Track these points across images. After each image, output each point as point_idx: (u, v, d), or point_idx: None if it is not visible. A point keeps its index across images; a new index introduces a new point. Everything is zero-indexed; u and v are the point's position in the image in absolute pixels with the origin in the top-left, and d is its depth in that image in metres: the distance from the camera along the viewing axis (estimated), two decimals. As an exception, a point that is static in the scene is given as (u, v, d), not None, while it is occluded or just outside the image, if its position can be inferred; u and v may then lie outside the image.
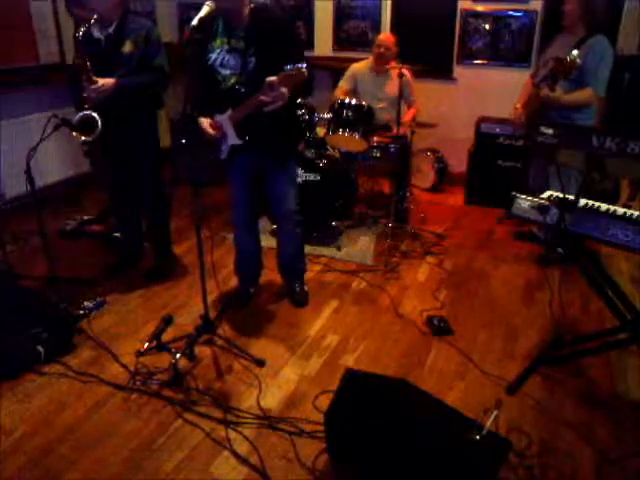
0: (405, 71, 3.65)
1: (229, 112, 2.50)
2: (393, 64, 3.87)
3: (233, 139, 2.56)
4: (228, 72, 2.48)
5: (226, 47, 2.46)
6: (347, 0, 5.13)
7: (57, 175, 4.52)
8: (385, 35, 4.16)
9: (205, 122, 2.55)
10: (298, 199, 2.85)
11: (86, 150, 2.86)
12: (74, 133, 2.73)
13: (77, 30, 2.71)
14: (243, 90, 2.45)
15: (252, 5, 2.44)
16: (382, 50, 3.96)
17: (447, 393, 2.35)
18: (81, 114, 2.72)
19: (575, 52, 2.93)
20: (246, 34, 2.42)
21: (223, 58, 2.47)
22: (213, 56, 2.48)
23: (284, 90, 2.25)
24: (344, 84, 4.20)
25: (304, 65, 2.19)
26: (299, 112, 3.82)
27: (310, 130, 3.90)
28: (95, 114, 2.70)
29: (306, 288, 3.15)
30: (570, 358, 2.51)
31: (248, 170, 2.74)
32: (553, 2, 4.30)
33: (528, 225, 3.82)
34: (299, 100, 3.81)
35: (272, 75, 2.23)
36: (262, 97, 2.27)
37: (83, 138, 2.73)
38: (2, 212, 3.96)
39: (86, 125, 2.72)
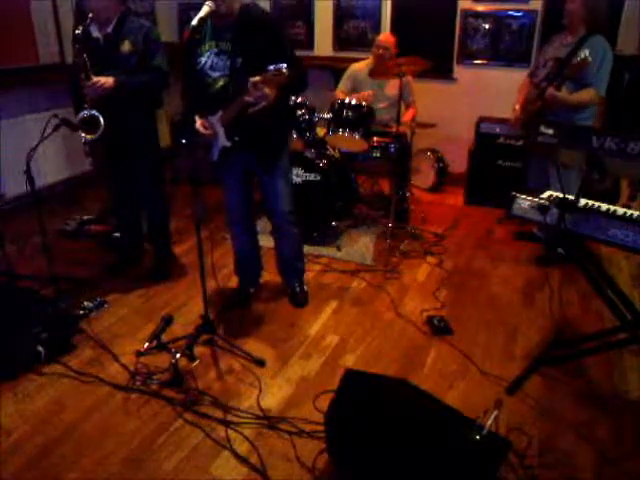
0: (405, 70, 3.64)
1: (220, 113, 2.51)
2: (394, 66, 3.84)
3: (223, 140, 2.57)
4: (217, 74, 2.49)
5: (215, 50, 2.48)
6: (347, 0, 5.13)
7: (57, 175, 4.53)
8: (385, 36, 4.16)
9: (198, 122, 2.56)
10: (293, 199, 2.85)
11: (87, 150, 2.86)
12: (80, 132, 2.73)
13: (76, 28, 2.72)
14: (232, 91, 2.46)
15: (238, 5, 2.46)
16: (382, 51, 3.96)
17: (447, 393, 2.35)
18: (83, 113, 2.73)
19: (586, 51, 2.94)
20: (233, 36, 2.44)
21: (212, 61, 2.49)
22: (203, 59, 2.50)
23: (267, 91, 2.26)
24: (343, 86, 4.20)
25: (284, 66, 2.19)
26: (299, 112, 3.82)
27: (310, 130, 3.90)
28: (97, 113, 2.70)
29: (306, 288, 3.15)
30: (570, 358, 2.51)
31: (239, 171, 2.75)
32: (553, 2, 4.31)
33: (528, 225, 3.82)
34: (299, 100, 3.81)
35: (258, 75, 2.24)
36: (246, 98, 2.30)
37: (88, 137, 2.73)
38: (2, 212, 3.96)
39: (88, 124, 2.73)
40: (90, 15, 2.69)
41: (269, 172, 2.74)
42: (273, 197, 2.80)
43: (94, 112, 2.71)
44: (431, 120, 4.33)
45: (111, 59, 2.80)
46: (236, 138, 2.54)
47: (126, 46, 2.81)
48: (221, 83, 2.50)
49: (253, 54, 2.40)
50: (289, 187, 2.84)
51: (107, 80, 2.72)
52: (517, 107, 3.50)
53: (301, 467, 1.97)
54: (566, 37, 3.30)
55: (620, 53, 3.92)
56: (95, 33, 2.81)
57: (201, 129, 2.54)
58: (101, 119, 2.71)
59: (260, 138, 2.58)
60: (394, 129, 3.74)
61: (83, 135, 2.75)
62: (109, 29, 2.81)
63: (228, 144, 2.56)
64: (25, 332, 2.50)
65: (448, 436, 1.76)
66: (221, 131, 2.54)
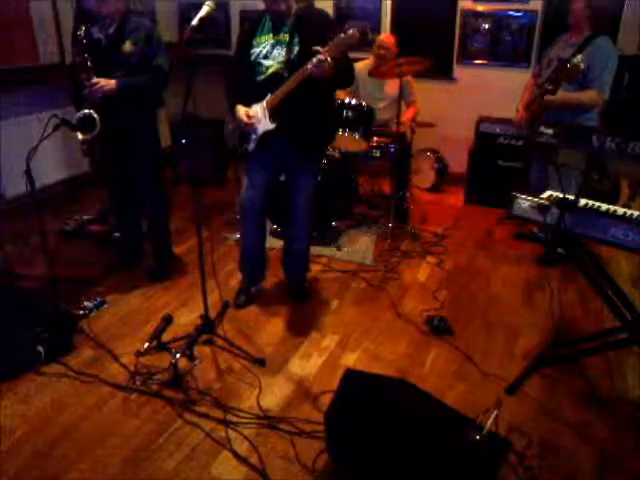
0: (405, 70, 3.63)
1: (267, 97, 2.58)
2: (394, 66, 3.83)
3: (265, 125, 2.61)
4: (270, 62, 2.60)
5: (271, 41, 2.60)
6: (347, 0, 5.13)
7: (57, 175, 4.52)
8: (385, 36, 4.16)
9: (241, 110, 2.64)
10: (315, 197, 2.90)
11: (85, 150, 2.86)
12: (78, 133, 2.73)
13: (77, 29, 2.72)
14: (286, 74, 2.53)
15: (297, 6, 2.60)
16: (382, 52, 3.96)
17: (447, 393, 2.35)
18: (80, 113, 2.73)
19: (579, 57, 2.94)
20: (292, 29, 2.56)
21: (267, 51, 2.60)
22: (257, 50, 2.61)
23: (330, 61, 2.32)
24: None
25: (354, 29, 2.29)
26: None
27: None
28: (94, 112, 2.70)
29: (307, 285, 3.16)
30: (570, 358, 2.51)
31: (272, 166, 2.77)
32: (553, 2, 4.32)
33: (528, 225, 3.82)
34: None
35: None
36: (309, 66, 2.34)
37: (81, 137, 2.73)
38: (2, 212, 3.96)
39: (85, 124, 2.73)
40: (97, 18, 2.70)
41: (306, 165, 2.76)
42: (302, 191, 2.81)
43: (91, 111, 2.71)
44: (431, 120, 4.33)
45: (112, 59, 2.80)
46: (279, 121, 2.59)
47: (127, 46, 2.81)
48: (273, 70, 2.59)
49: (309, 42, 2.47)
50: (316, 183, 2.90)
51: (108, 82, 2.72)
52: (520, 107, 3.50)
53: (301, 467, 1.97)
54: (571, 37, 3.31)
55: (620, 53, 3.91)
56: (97, 34, 2.81)
57: (244, 118, 2.61)
58: (97, 119, 2.71)
59: (305, 124, 2.62)
60: (394, 129, 3.74)
61: (80, 135, 2.75)
62: (111, 30, 2.81)
63: (272, 127, 2.60)
64: (25, 332, 2.50)
65: (448, 436, 1.77)
66: (265, 115, 2.60)
